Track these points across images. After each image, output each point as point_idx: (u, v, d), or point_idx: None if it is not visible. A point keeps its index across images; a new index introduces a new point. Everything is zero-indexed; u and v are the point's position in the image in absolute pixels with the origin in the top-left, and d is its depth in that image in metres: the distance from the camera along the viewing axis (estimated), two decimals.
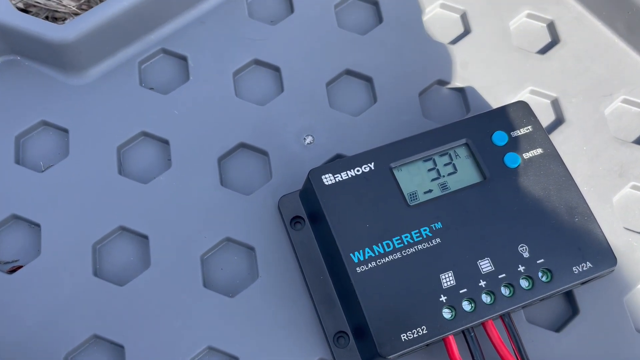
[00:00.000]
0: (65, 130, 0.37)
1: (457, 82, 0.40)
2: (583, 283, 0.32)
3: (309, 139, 0.37)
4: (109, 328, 0.32)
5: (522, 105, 0.34)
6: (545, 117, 0.39)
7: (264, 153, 0.37)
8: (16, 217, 0.35)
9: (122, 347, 0.32)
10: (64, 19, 0.48)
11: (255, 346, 0.32)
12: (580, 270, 0.31)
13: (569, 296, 0.34)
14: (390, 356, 0.29)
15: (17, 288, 0.33)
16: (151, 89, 0.39)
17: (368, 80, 0.40)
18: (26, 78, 0.39)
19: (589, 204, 0.34)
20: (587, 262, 0.31)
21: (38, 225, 0.35)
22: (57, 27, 0.36)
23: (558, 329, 0.33)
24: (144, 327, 0.32)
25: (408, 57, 0.40)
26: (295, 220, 0.35)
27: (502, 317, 0.31)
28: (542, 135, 0.34)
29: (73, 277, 0.33)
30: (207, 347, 0.32)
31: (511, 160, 0.33)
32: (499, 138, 0.33)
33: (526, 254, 0.31)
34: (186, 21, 0.40)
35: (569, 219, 0.32)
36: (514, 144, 0.33)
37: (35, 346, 0.32)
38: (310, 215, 0.34)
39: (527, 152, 0.33)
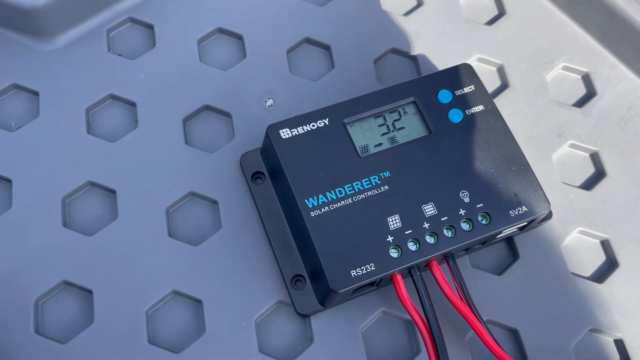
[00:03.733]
0: (36, 93, 0.39)
1: (409, 51, 0.42)
2: (521, 229, 0.35)
3: (269, 102, 0.40)
4: (78, 274, 0.34)
5: (466, 67, 0.37)
6: (491, 83, 0.42)
7: (227, 115, 0.39)
8: None
9: (90, 292, 0.34)
10: None
11: (217, 290, 0.34)
12: (516, 213, 0.33)
13: (509, 243, 0.37)
14: (341, 290, 0.31)
15: None
16: (119, 55, 0.41)
17: (326, 48, 0.42)
18: None
19: (531, 162, 0.37)
20: (523, 207, 0.33)
21: (9, 181, 0.36)
22: None
23: (500, 272, 0.36)
24: (112, 273, 0.34)
25: (364, 27, 0.43)
26: (256, 175, 0.37)
27: (446, 259, 0.33)
28: (484, 93, 0.36)
29: (43, 228, 0.35)
30: (172, 291, 0.34)
31: (454, 115, 0.35)
32: (444, 96, 0.36)
33: (467, 199, 0.33)
34: None
35: (507, 168, 0.34)
36: (458, 102, 0.36)
37: (7, 291, 0.33)
38: (270, 169, 0.36)
39: (470, 108, 0.36)
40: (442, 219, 0.33)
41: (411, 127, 0.35)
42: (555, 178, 0.39)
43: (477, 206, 0.33)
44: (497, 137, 0.35)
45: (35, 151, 0.37)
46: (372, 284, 0.33)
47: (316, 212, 0.33)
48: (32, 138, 0.38)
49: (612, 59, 0.43)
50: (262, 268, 0.35)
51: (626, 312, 0.35)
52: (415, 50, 0.42)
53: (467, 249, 0.35)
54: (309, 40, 0.42)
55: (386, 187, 0.33)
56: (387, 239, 0.32)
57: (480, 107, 0.36)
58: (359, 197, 0.33)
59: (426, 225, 0.33)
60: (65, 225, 0.35)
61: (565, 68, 0.42)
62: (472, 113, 0.36)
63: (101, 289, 0.34)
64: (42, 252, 0.34)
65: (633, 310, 0.35)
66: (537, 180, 0.34)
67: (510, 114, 0.40)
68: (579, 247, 0.37)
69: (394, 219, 0.33)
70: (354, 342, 0.33)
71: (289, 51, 0.42)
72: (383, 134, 0.35)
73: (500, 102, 0.40)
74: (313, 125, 0.35)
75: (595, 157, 0.40)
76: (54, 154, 0.37)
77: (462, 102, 0.36)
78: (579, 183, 0.39)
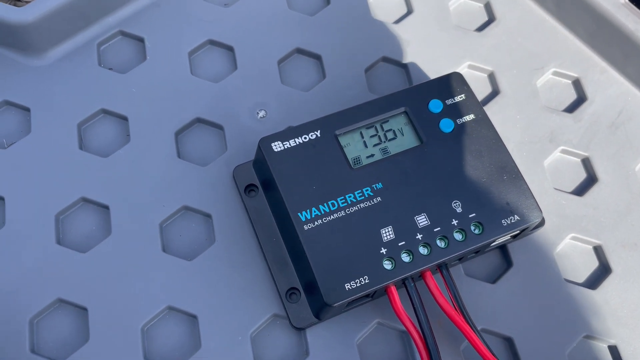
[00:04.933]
0: (27, 109, 0.39)
1: (400, 59, 0.42)
2: (514, 237, 0.35)
3: (261, 113, 0.40)
4: (73, 292, 0.34)
5: (457, 76, 0.37)
6: (482, 89, 0.42)
7: (219, 127, 0.39)
8: None
9: (85, 309, 0.34)
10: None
11: (212, 305, 0.34)
12: (509, 222, 0.33)
13: (503, 251, 0.37)
14: (335, 304, 0.31)
15: None
16: (110, 69, 0.41)
17: (317, 58, 0.42)
18: None
19: (522, 168, 0.37)
20: (515, 215, 0.34)
21: (2, 199, 0.36)
22: (16, 9, 0.38)
23: (494, 281, 0.36)
24: (106, 289, 0.34)
25: (355, 36, 0.43)
26: (250, 188, 0.37)
27: (440, 270, 0.34)
28: (475, 102, 0.36)
29: (37, 246, 0.35)
30: (167, 307, 0.34)
31: (446, 125, 0.35)
32: (435, 106, 0.36)
33: (459, 209, 0.33)
34: (143, 5, 0.42)
35: (499, 177, 0.34)
36: (448, 111, 0.36)
37: (2, 310, 0.33)
38: (263, 182, 0.36)
39: (460, 117, 0.36)
40: (435, 230, 0.33)
41: (403, 137, 0.35)
42: (547, 184, 0.39)
43: (470, 216, 0.33)
44: (489, 146, 0.35)
45: (28, 168, 0.37)
46: (366, 295, 0.33)
47: (309, 226, 0.33)
48: (24, 155, 0.37)
49: (602, 64, 0.43)
50: (256, 281, 0.35)
51: (620, 318, 0.35)
52: (406, 58, 0.42)
53: (461, 259, 0.35)
54: (299, 51, 0.42)
55: (379, 198, 0.33)
56: (381, 251, 0.32)
57: (471, 116, 0.36)
58: (351, 210, 0.33)
59: (419, 236, 0.33)
60: (59, 242, 0.35)
61: (556, 73, 0.42)
62: (463, 122, 0.36)
63: (96, 306, 0.34)
64: (36, 270, 0.34)
65: (626, 316, 0.35)
66: (529, 189, 0.35)
67: (501, 121, 0.40)
68: (572, 254, 0.37)
69: (387, 230, 0.33)
70: (350, 354, 0.33)
71: (280, 62, 0.42)
72: (375, 145, 0.35)
73: (491, 108, 0.41)
74: (305, 138, 0.35)
75: (586, 163, 0.40)
76: (47, 171, 0.37)
77: (453, 112, 0.36)
78: (571, 189, 0.39)
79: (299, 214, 0.33)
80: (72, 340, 0.33)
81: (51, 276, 0.34)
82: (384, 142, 0.35)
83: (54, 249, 0.35)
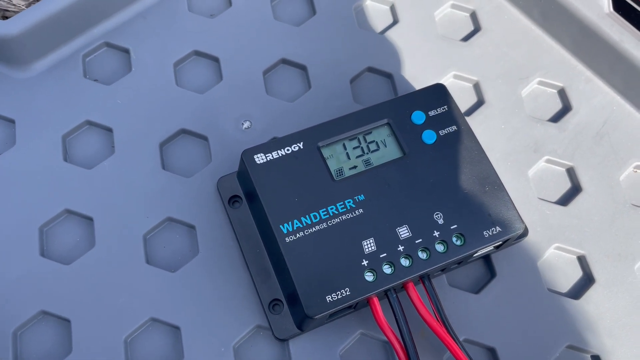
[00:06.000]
0: (12, 121, 0.39)
1: (386, 69, 0.42)
2: (497, 247, 0.35)
3: (246, 124, 0.40)
4: (56, 304, 0.34)
5: (439, 87, 0.37)
6: (467, 99, 0.42)
7: (203, 138, 0.39)
8: None
9: (68, 321, 0.34)
10: None
11: (195, 316, 0.34)
12: (490, 234, 0.33)
13: (487, 261, 0.37)
14: (316, 316, 0.31)
15: None
16: (95, 80, 0.41)
17: (303, 68, 0.42)
18: None
19: (507, 178, 0.38)
20: (497, 227, 0.34)
21: None
22: (1, 22, 0.38)
23: (477, 291, 0.36)
24: (90, 301, 0.34)
25: (340, 46, 0.43)
26: (234, 199, 0.37)
27: (422, 281, 0.34)
28: (457, 113, 0.37)
29: (20, 258, 0.35)
30: (150, 319, 0.34)
31: (428, 137, 0.35)
32: (418, 117, 0.36)
33: (441, 221, 0.33)
34: (128, 16, 0.42)
35: (481, 188, 0.35)
36: (431, 123, 0.36)
37: None
38: (246, 194, 0.36)
39: (443, 129, 0.36)
40: (416, 241, 0.33)
41: (385, 149, 0.35)
42: (531, 194, 0.39)
43: (451, 227, 0.33)
44: (471, 157, 0.35)
45: (12, 180, 0.37)
46: (349, 307, 0.33)
47: (291, 238, 0.33)
48: (8, 167, 0.38)
49: (587, 73, 0.43)
50: (240, 293, 0.35)
51: (603, 328, 0.35)
52: (392, 68, 0.42)
53: (443, 270, 0.35)
54: (285, 61, 0.42)
55: (361, 210, 0.34)
56: (362, 263, 0.32)
57: (454, 128, 0.36)
58: (333, 222, 0.33)
59: (401, 248, 0.33)
60: (42, 254, 0.35)
61: (541, 83, 0.43)
62: (445, 134, 0.36)
63: (79, 318, 0.34)
64: (19, 282, 0.35)
65: (610, 326, 0.35)
66: (511, 200, 0.35)
67: (486, 130, 0.40)
68: (555, 264, 0.37)
69: (368, 242, 0.33)
70: None
71: (265, 72, 0.42)
72: (357, 157, 0.35)
73: (476, 118, 0.41)
74: (288, 150, 0.35)
75: (571, 172, 0.40)
76: (31, 182, 0.37)
77: (436, 123, 0.36)
78: (555, 199, 0.39)
79: (280, 226, 0.33)
80: (56, 352, 0.33)
81: (34, 288, 0.34)
82: (367, 153, 0.35)
83: (37, 261, 0.35)
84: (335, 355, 0.34)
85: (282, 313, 0.34)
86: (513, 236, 0.34)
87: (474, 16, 0.45)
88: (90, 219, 0.36)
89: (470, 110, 0.41)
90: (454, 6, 0.45)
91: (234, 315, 0.34)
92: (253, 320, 0.34)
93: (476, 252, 0.34)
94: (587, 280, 0.37)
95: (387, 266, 0.32)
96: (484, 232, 0.33)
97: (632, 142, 0.41)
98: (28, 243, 0.36)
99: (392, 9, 0.45)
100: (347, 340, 0.34)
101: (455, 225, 0.33)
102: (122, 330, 0.34)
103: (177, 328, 0.34)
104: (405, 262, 0.33)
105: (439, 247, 0.33)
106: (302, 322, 0.33)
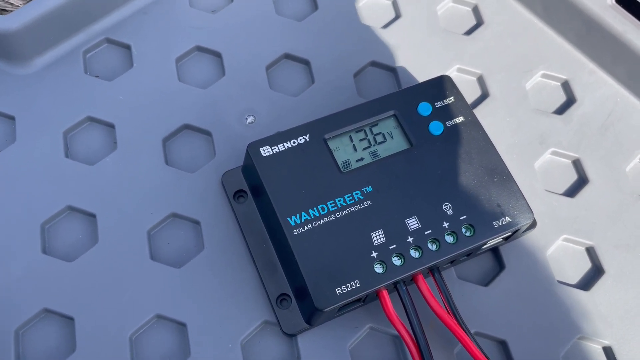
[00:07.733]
0: (12, 118, 0.38)
1: (389, 63, 0.42)
2: (506, 239, 0.35)
3: (250, 119, 0.39)
4: (59, 301, 0.33)
5: (445, 79, 0.37)
6: (472, 93, 0.42)
7: (207, 133, 0.39)
8: None
9: (72, 319, 0.33)
10: None
11: (202, 313, 0.34)
12: (500, 224, 0.33)
13: (495, 253, 0.37)
14: (326, 309, 0.31)
15: None
16: (96, 76, 0.40)
17: (306, 63, 0.42)
18: None
19: (513, 171, 0.37)
20: (506, 217, 0.33)
21: None
22: (0, 17, 0.37)
23: (486, 283, 0.36)
24: (93, 299, 0.34)
25: (343, 40, 0.43)
26: (239, 194, 0.36)
27: (432, 273, 0.33)
28: (464, 104, 0.36)
29: (22, 255, 0.34)
30: (155, 316, 0.34)
31: (435, 128, 0.35)
32: (424, 109, 0.36)
33: (450, 212, 0.33)
34: (129, 12, 0.42)
35: (489, 179, 0.34)
36: (438, 114, 0.36)
37: None
38: (252, 188, 0.36)
39: (450, 120, 0.36)
40: (426, 233, 0.33)
41: (392, 140, 0.35)
42: (538, 186, 0.39)
43: (461, 218, 0.33)
44: (478, 148, 0.35)
45: (13, 177, 0.37)
46: (358, 300, 0.32)
47: (299, 230, 0.32)
48: (9, 164, 0.37)
49: (591, 65, 0.43)
50: (246, 288, 0.34)
51: (613, 318, 0.35)
52: (395, 63, 0.42)
53: (453, 261, 0.35)
54: (288, 56, 0.42)
55: (369, 202, 0.33)
56: (372, 255, 0.32)
57: (461, 119, 0.36)
58: (341, 214, 0.33)
59: (410, 239, 0.32)
60: (44, 251, 0.35)
61: (545, 75, 0.42)
62: (452, 125, 0.36)
63: (83, 316, 0.33)
64: (21, 280, 0.34)
65: (620, 317, 0.35)
66: (520, 190, 0.34)
67: (491, 124, 0.40)
68: (564, 255, 0.37)
69: (377, 234, 0.32)
70: None
71: (268, 67, 0.41)
72: (364, 149, 0.35)
73: (480, 111, 0.40)
74: (294, 142, 0.35)
75: (577, 164, 0.40)
76: (32, 179, 0.37)
77: (443, 114, 0.36)
78: (562, 190, 0.39)
79: (288, 218, 0.32)
80: (59, 351, 0.33)
81: (37, 286, 0.34)
82: (374, 145, 0.35)
83: (39, 258, 0.34)
84: (345, 350, 0.33)
85: (290, 308, 0.34)
86: (523, 226, 0.34)
87: (476, 10, 0.45)
88: (93, 216, 0.36)
89: (475, 104, 0.41)
90: (455, 0, 0.45)
91: (241, 311, 0.34)
92: (260, 316, 0.34)
93: (486, 243, 0.33)
94: (596, 272, 0.37)
95: (396, 258, 0.32)
96: (494, 223, 0.33)
97: (637, 133, 0.40)
98: (30, 240, 0.35)
99: (394, 3, 0.45)
100: (356, 335, 0.34)
101: (465, 216, 0.33)
102: (127, 327, 0.33)
103: (183, 325, 0.33)
104: (415, 253, 0.32)
105: (449, 238, 0.33)
106: (311, 315, 0.32)
